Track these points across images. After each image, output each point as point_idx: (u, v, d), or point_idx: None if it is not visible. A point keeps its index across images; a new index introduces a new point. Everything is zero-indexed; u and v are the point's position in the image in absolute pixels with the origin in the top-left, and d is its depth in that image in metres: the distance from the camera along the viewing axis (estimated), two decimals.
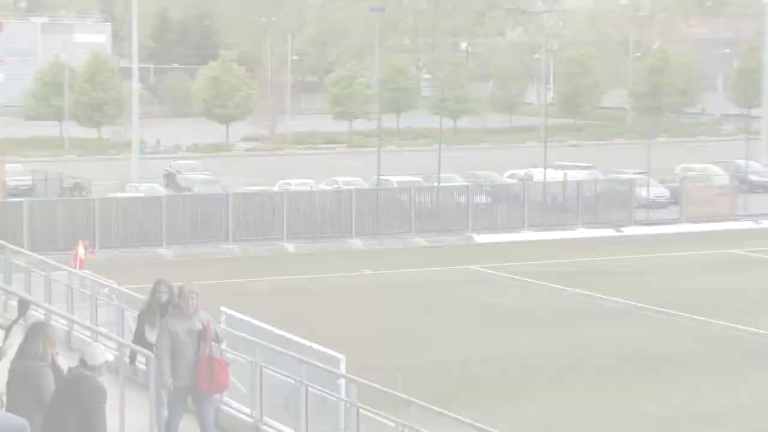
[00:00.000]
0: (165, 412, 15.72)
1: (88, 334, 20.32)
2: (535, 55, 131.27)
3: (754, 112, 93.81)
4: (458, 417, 13.79)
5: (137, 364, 16.01)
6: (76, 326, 21.41)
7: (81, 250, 39.83)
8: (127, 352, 14.57)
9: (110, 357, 11.75)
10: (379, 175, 58.86)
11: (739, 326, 35.58)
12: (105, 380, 11.45)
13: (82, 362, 11.45)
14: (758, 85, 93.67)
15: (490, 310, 38.35)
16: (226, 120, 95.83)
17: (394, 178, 59.67)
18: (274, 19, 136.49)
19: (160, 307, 16.00)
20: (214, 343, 15.27)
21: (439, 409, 14.56)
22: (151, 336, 15.92)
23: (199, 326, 15.15)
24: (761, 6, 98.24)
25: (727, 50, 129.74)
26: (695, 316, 36.92)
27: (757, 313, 37.70)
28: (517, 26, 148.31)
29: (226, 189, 58.45)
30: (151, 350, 15.34)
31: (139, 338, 16.13)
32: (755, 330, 35.18)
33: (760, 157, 77.22)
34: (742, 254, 50.06)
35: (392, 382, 16.93)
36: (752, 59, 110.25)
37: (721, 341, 34.18)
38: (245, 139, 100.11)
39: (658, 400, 28.02)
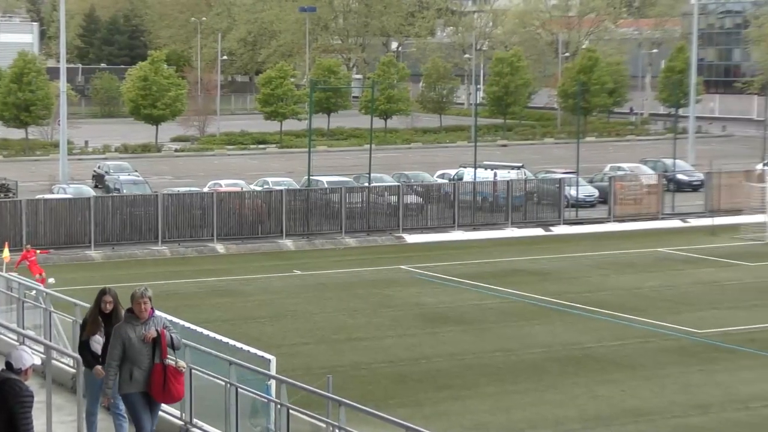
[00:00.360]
0: (96, 419, 15.46)
1: (15, 337, 20.10)
2: (465, 55, 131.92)
3: (681, 111, 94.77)
4: (389, 417, 13.79)
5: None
6: (2, 329, 21.15)
7: (6, 252, 39.43)
8: (54, 354, 14.33)
9: (37, 360, 11.62)
10: (309, 175, 58.74)
11: (665, 323, 35.98)
12: (31, 384, 11.33)
13: (9, 366, 11.33)
14: (685, 85, 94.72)
15: (421, 310, 38.44)
16: (155, 120, 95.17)
17: (324, 179, 59.59)
18: (203, 18, 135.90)
19: (105, 318, 15.51)
20: (169, 350, 14.54)
21: (370, 410, 14.56)
22: (96, 346, 15.44)
23: (153, 332, 14.41)
24: (688, 6, 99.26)
25: (655, 50, 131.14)
26: (623, 314, 37.29)
27: (683, 311, 38.16)
28: (448, 26, 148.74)
29: (156, 190, 58.07)
30: (96, 361, 15.09)
31: (82, 349, 15.59)
32: (680, 327, 35.58)
33: (688, 156, 78.07)
34: (669, 253, 50.57)
35: (323, 383, 16.92)
36: (680, 59, 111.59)
37: (647, 338, 34.51)
38: (175, 140, 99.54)
39: (588, 397, 28.24)
